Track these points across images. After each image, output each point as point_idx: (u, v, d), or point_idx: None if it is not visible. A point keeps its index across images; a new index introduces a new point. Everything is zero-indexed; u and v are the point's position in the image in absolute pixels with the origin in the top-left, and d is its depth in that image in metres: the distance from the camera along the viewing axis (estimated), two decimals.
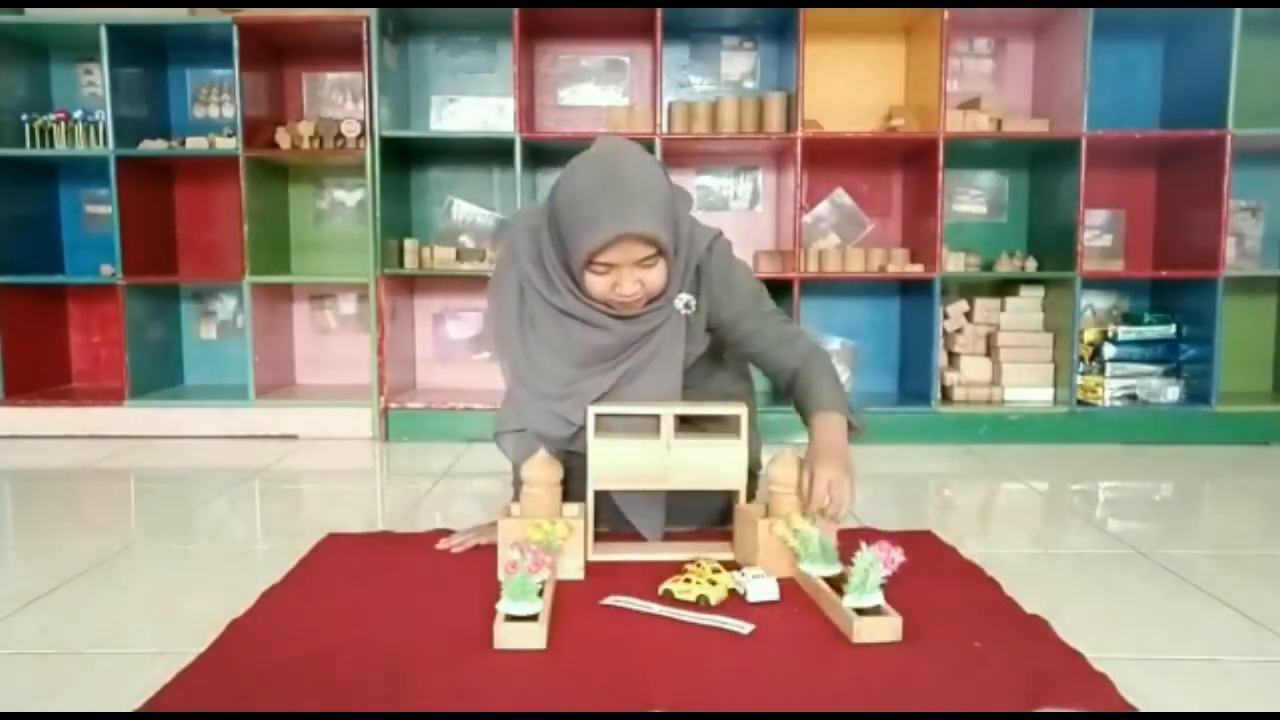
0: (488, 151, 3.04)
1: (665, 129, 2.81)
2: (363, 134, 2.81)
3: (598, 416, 1.54)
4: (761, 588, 1.37)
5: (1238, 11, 2.64)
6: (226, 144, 2.84)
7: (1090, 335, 2.91)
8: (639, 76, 3.11)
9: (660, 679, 1.11)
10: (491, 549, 1.50)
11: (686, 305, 1.56)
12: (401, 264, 2.91)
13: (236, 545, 1.77)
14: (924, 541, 1.69)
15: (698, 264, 1.56)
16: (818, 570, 1.39)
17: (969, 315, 2.96)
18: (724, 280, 1.58)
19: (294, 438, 2.85)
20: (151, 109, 3.04)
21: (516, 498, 1.60)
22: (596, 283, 1.46)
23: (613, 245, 1.39)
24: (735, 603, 1.37)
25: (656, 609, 1.32)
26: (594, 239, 1.39)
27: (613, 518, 1.64)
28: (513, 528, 1.45)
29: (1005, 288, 3.00)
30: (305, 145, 2.88)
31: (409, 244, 2.92)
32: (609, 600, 1.35)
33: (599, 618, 1.31)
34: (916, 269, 2.85)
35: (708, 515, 1.72)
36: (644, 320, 1.54)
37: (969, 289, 3.02)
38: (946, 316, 2.94)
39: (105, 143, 2.82)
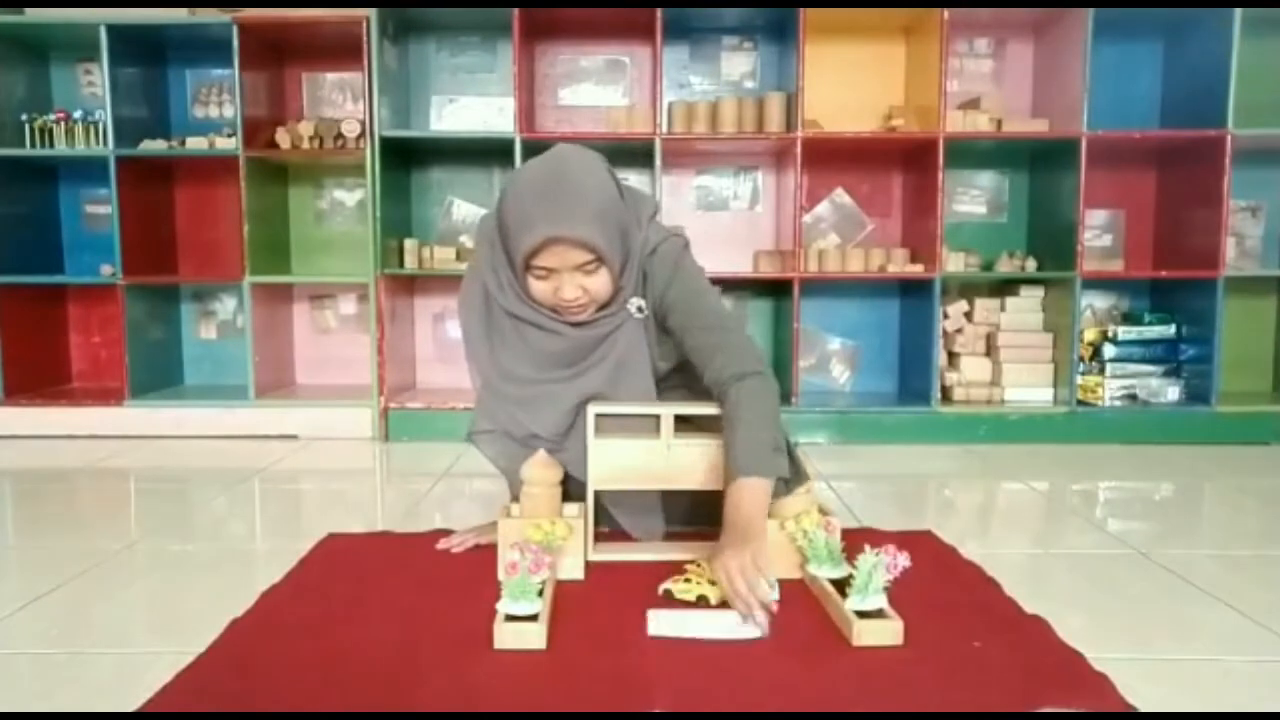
0: (488, 151, 3.04)
1: (665, 129, 2.81)
2: (363, 134, 2.81)
3: (598, 417, 1.54)
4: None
5: (1238, 11, 2.64)
6: (226, 144, 2.84)
7: (1090, 335, 2.91)
8: (639, 76, 3.11)
9: (660, 679, 1.11)
10: (491, 549, 1.50)
11: (639, 309, 1.54)
12: (401, 264, 2.91)
13: (236, 545, 1.77)
14: (924, 541, 1.69)
15: (642, 268, 1.53)
16: (824, 572, 1.39)
17: (969, 315, 2.96)
18: (665, 282, 1.52)
19: (294, 438, 2.85)
20: (151, 109, 3.04)
21: (515, 495, 1.60)
22: (538, 287, 1.45)
23: (546, 249, 1.38)
24: None
25: (699, 632, 1.24)
26: (527, 242, 1.39)
27: (613, 518, 1.65)
28: (513, 528, 1.45)
29: (1005, 288, 3.00)
30: (305, 145, 2.88)
31: (409, 244, 2.92)
32: (659, 629, 1.26)
33: (599, 618, 1.31)
34: (916, 269, 2.85)
35: (697, 513, 1.70)
36: (597, 325, 1.52)
37: (969, 289, 3.02)
38: (946, 316, 2.94)
39: (105, 143, 2.81)
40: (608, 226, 1.42)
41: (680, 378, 1.63)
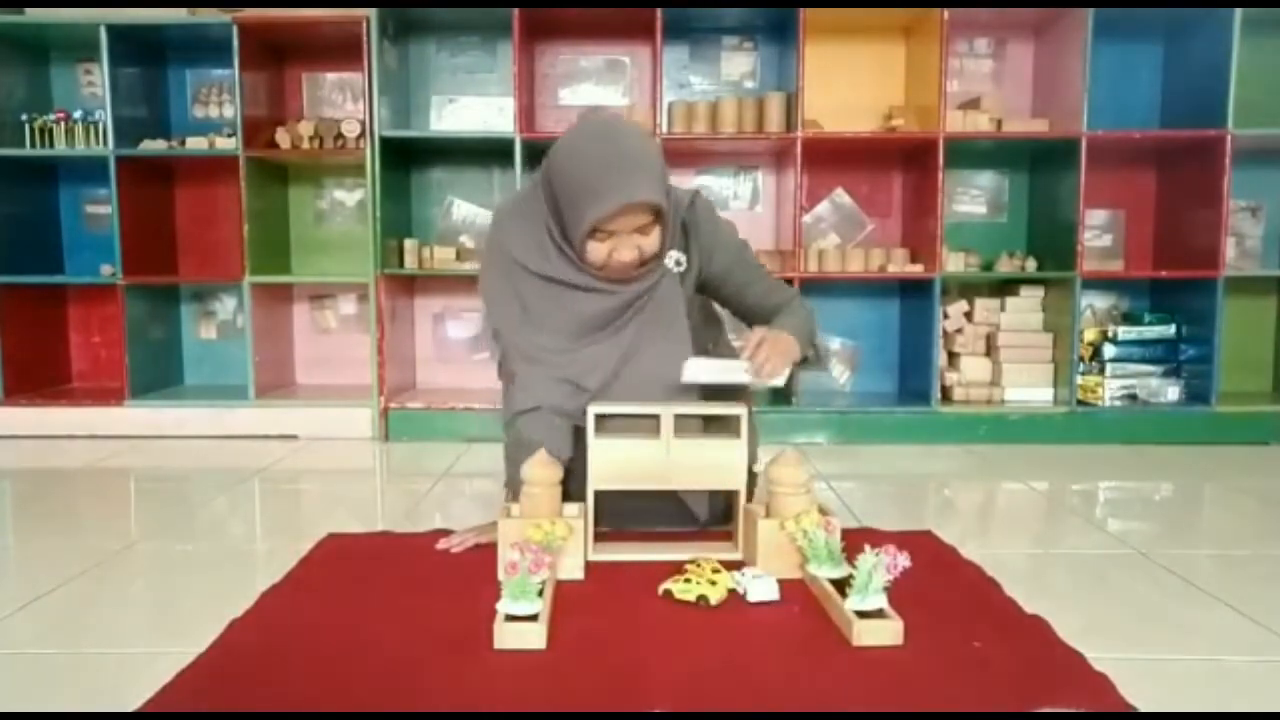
0: (488, 151, 3.04)
1: (665, 129, 2.81)
2: (363, 134, 2.81)
3: (598, 417, 1.54)
4: (761, 588, 1.37)
5: (1238, 11, 2.64)
6: (226, 144, 2.84)
7: (1090, 335, 2.91)
8: (639, 76, 3.11)
9: (660, 679, 1.11)
10: (491, 549, 1.50)
11: (677, 262, 1.61)
12: (401, 264, 2.90)
13: (236, 545, 1.77)
14: (924, 541, 1.69)
15: (683, 221, 1.62)
16: (824, 572, 1.39)
17: (969, 315, 2.96)
18: (712, 233, 1.65)
19: (294, 438, 2.85)
20: (151, 109, 3.04)
21: (514, 495, 1.60)
22: (596, 250, 1.50)
23: (617, 215, 1.44)
24: (735, 603, 1.37)
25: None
26: (600, 209, 1.43)
27: (613, 518, 1.65)
28: (513, 528, 1.45)
29: (1005, 288, 3.00)
30: (305, 145, 2.88)
31: (409, 244, 2.92)
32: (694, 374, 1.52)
33: (599, 618, 1.31)
34: (916, 269, 2.85)
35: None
36: (641, 281, 1.58)
37: (969, 289, 3.02)
38: (946, 316, 2.94)
39: (105, 143, 2.82)
40: (663, 186, 1.50)
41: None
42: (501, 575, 1.28)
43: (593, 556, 1.53)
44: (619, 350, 1.60)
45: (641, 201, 1.43)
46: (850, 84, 3.02)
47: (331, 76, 3.15)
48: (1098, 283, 3.00)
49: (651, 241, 1.51)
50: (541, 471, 1.52)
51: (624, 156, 1.44)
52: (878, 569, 1.25)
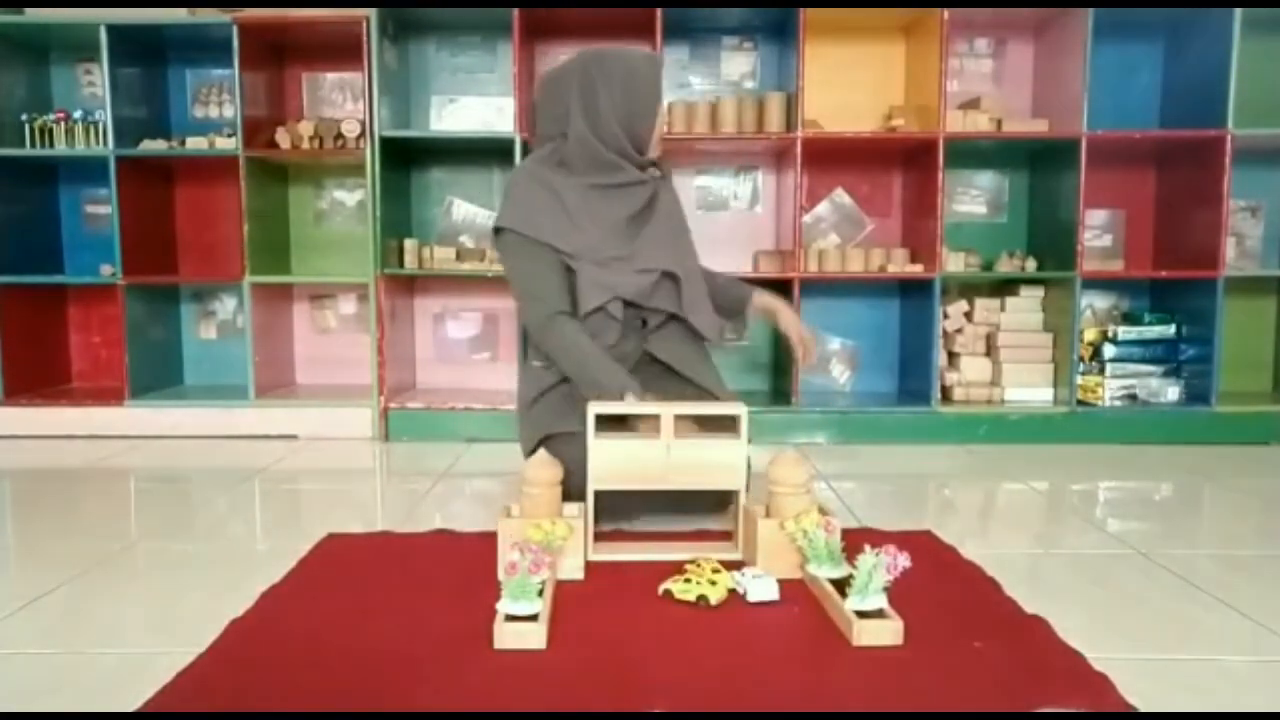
0: (488, 151, 3.04)
1: (665, 129, 2.81)
2: (363, 134, 2.81)
3: (598, 417, 1.54)
4: (761, 588, 1.37)
5: (1238, 11, 2.64)
6: (226, 144, 2.84)
7: (1090, 335, 2.91)
8: None
9: (660, 679, 1.11)
10: (492, 549, 1.50)
11: (664, 174, 1.95)
12: (401, 264, 2.90)
13: (236, 545, 1.77)
14: (924, 541, 1.69)
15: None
16: (824, 572, 1.39)
17: (969, 315, 2.96)
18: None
19: (294, 438, 2.85)
20: (151, 109, 3.04)
21: (586, 393, 1.68)
22: (656, 134, 1.85)
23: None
24: (735, 603, 1.37)
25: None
26: (653, 113, 1.82)
27: (613, 517, 1.65)
28: (513, 528, 1.45)
29: (1005, 288, 3.00)
30: (305, 145, 2.88)
31: (409, 244, 2.92)
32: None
33: (599, 618, 1.31)
34: (916, 269, 2.85)
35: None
36: (648, 184, 1.87)
37: (969, 289, 3.02)
38: (946, 316, 2.94)
39: (105, 143, 2.81)
40: None
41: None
42: (501, 575, 1.28)
43: (593, 556, 1.53)
44: (654, 243, 1.83)
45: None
46: (850, 84, 3.02)
47: (331, 76, 3.15)
48: (1098, 283, 3.00)
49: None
50: (541, 472, 1.52)
51: (653, 73, 1.84)
52: (878, 569, 1.25)
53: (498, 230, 1.82)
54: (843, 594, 1.29)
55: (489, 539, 1.54)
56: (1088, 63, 2.69)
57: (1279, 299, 3.11)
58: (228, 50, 2.76)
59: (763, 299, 2.02)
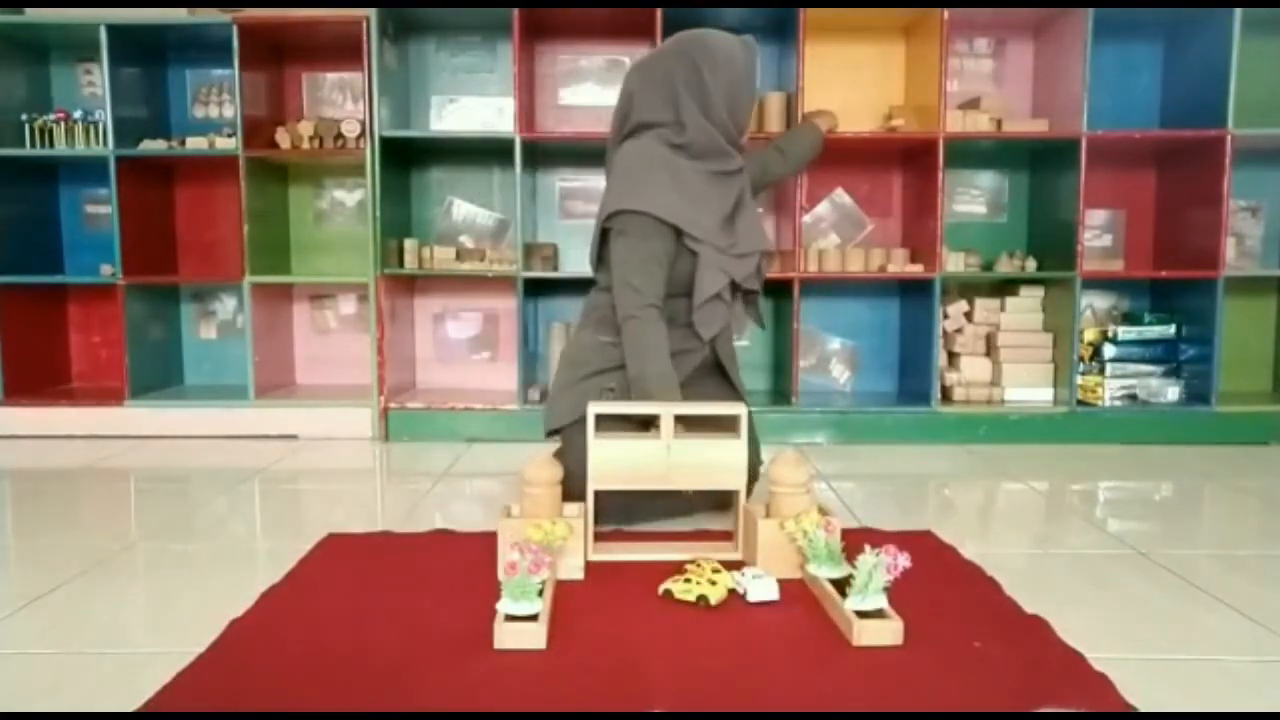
0: (488, 151, 3.04)
1: None
2: (363, 134, 2.81)
3: (598, 417, 1.54)
4: (761, 588, 1.37)
5: (1238, 11, 2.64)
6: (226, 144, 2.84)
7: (1090, 335, 2.91)
8: None
9: (660, 679, 1.11)
10: (492, 549, 1.50)
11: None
12: (401, 264, 2.90)
13: (236, 545, 1.77)
14: (924, 541, 1.69)
15: None
16: (824, 572, 1.39)
17: (969, 315, 2.96)
18: None
19: (294, 438, 2.85)
20: (151, 109, 3.04)
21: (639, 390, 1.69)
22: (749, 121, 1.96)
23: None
24: (735, 603, 1.37)
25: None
26: (753, 97, 1.98)
27: (613, 517, 1.65)
28: (513, 528, 1.45)
29: (1005, 288, 2.99)
30: (305, 145, 2.88)
31: (409, 244, 2.92)
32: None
33: (599, 618, 1.31)
34: (916, 269, 2.85)
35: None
36: (745, 170, 1.96)
37: (969, 289, 3.02)
38: (946, 316, 2.94)
39: (105, 143, 2.81)
40: None
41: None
42: (501, 575, 1.28)
43: (593, 556, 1.53)
44: (748, 220, 1.90)
45: None
46: (850, 84, 3.02)
47: (331, 76, 3.15)
48: (1098, 283, 3.00)
49: None
50: (541, 472, 1.52)
51: (751, 60, 2.00)
52: (878, 569, 1.25)
53: (619, 212, 1.79)
54: (843, 594, 1.29)
55: (489, 539, 1.54)
56: (1088, 63, 2.68)
57: (1279, 299, 3.11)
58: (228, 50, 2.76)
59: (811, 118, 2.46)
